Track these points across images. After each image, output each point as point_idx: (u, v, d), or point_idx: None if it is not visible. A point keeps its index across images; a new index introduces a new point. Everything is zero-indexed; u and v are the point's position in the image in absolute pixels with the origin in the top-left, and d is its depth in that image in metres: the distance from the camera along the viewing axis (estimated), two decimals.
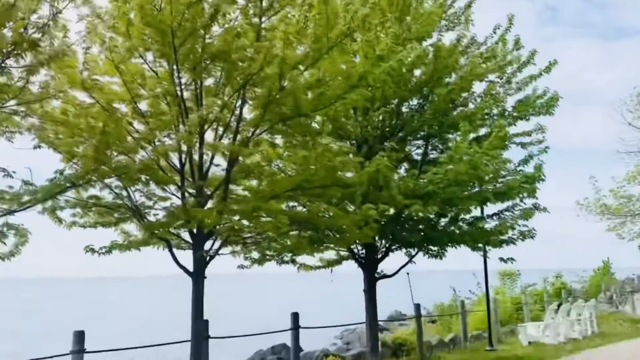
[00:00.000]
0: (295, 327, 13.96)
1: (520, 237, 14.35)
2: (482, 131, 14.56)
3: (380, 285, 15.04)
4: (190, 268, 10.82)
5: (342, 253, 15.29)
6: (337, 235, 11.96)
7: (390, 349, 17.83)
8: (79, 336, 10.57)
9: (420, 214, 12.62)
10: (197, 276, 10.81)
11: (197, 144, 10.39)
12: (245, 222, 11.01)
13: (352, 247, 14.76)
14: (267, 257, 13.27)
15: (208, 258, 10.98)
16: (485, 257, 18.47)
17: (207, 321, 12.38)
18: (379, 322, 16.09)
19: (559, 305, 21.16)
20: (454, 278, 25.87)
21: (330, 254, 15.87)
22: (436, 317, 21.73)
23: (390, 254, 15.23)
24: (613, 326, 22.73)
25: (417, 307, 17.45)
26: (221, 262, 13.01)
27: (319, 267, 16.05)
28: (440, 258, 14.44)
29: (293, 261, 15.44)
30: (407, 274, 17.97)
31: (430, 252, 14.12)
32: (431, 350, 18.22)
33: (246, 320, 26.21)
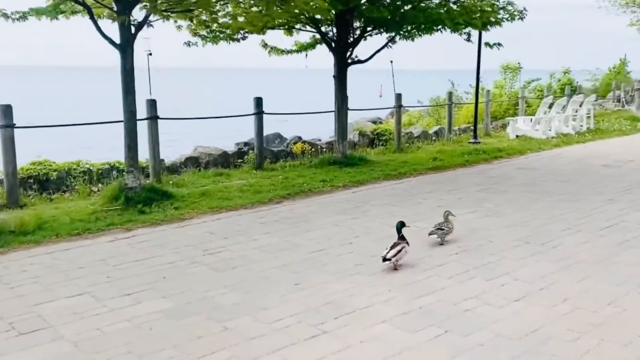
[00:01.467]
0: (259, 112, 13.18)
1: (508, 18, 12.80)
2: None
3: (362, 83, 13.92)
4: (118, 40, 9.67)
5: (315, 35, 13.95)
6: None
7: (368, 139, 17.19)
8: (6, 110, 9.94)
9: None
10: (125, 48, 9.71)
11: None
12: None
13: (321, 27, 13.37)
14: (218, 33, 11.98)
15: (136, 27, 9.77)
16: (480, 45, 16.97)
17: (154, 101, 11.62)
18: (352, 110, 15.20)
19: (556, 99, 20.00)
20: (455, 77, 24.52)
21: (305, 37, 14.60)
22: (419, 107, 20.74)
23: (366, 39, 13.85)
24: (612, 124, 21.73)
25: (398, 97, 16.46)
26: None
27: (291, 52, 14.89)
28: (412, 40, 13.07)
29: (265, 45, 14.26)
30: (391, 61, 16.74)
31: (405, 34, 12.66)
32: (412, 142, 17.60)
33: (213, 109, 25.62)
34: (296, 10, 10.77)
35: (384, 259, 6.31)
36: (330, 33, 13.64)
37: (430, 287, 5.96)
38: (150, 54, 11.99)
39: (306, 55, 15.08)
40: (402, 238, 6.56)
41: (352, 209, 9.36)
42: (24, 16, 9.64)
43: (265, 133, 13.86)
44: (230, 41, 12.49)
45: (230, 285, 6.05)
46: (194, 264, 6.73)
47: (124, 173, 10.40)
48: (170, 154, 14.58)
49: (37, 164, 11.42)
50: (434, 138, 18.40)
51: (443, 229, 7.49)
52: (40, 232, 8.06)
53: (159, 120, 11.61)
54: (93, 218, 8.81)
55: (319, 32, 13.31)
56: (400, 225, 6.73)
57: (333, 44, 13.39)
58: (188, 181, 11.87)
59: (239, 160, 13.87)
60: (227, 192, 10.61)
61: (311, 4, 9.95)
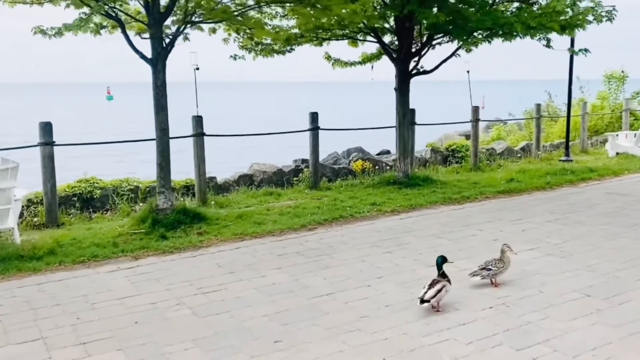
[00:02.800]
0: (314, 128, 12.33)
1: (595, 20, 11.13)
2: None
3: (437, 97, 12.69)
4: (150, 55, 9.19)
5: (377, 47, 12.93)
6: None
7: (441, 156, 15.84)
8: (46, 128, 9.77)
9: None
10: (156, 62, 9.19)
11: None
12: None
13: (382, 36, 12.33)
14: (269, 47, 11.26)
15: (169, 40, 9.23)
16: (571, 56, 15.22)
17: (200, 117, 11.10)
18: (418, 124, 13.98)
19: None
20: (552, 87, 22.48)
21: (371, 48, 13.62)
22: (498, 121, 19.00)
23: (434, 47, 12.67)
24: None
25: (475, 110, 15.05)
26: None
27: (354, 64, 13.93)
28: (476, 46, 11.70)
29: (328, 57, 13.42)
30: (468, 72, 15.31)
31: (470, 40, 11.34)
32: (493, 159, 16.05)
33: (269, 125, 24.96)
34: (335, 18, 9.80)
35: (422, 301, 5.55)
36: (393, 42, 12.58)
37: (438, 357, 4.78)
38: (197, 69, 11.47)
39: (372, 67, 14.06)
40: (442, 275, 5.84)
41: (389, 239, 8.25)
42: (59, 32, 9.39)
43: (326, 149, 13.02)
44: (279, 53, 11.69)
45: (200, 338, 5.18)
46: (177, 306, 5.94)
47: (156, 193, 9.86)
48: (226, 170, 14.05)
49: (83, 181, 11.20)
50: (519, 155, 16.71)
51: (490, 269, 6.34)
52: (48, 257, 7.64)
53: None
54: (112, 242, 8.30)
55: (379, 41, 12.27)
56: (441, 260, 5.96)
57: (394, 54, 12.29)
58: (234, 201, 11.24)
59: (295, 179, 13.06)
60: (266, 214, 9.83)
61: (349, 10, 8.92)
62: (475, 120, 15.01)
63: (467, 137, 21.44)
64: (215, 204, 10.81)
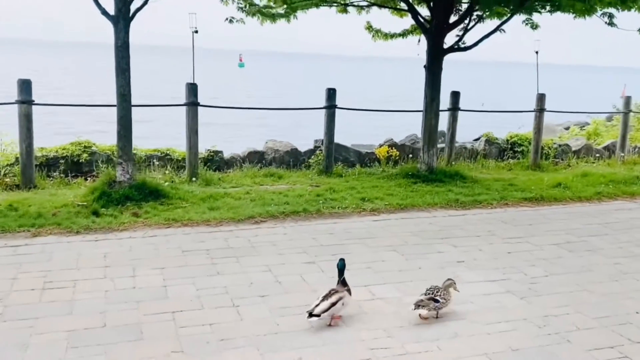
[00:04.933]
0: (331, 105, 11.00)
1: None
2: None
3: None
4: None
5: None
6: None
7: (497, 148, 13.78)
8: (24, 85, 9.31)
9: None
10: (117, 20, 8.35)
11: None
12: None
13: (413, 3, 10.66)
14: (268, 10, 10.00)
15: None
16: None
17: (195, 85, 10.20)
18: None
19: None
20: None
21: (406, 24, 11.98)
22: (569, 112, 16.17)
23: (482, 21, 10.81)
24: None
25: (540, 98, 12.85)
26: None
27: (395, 36, 12.35)
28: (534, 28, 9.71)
29: (369, 27, 11.99)
30: (536, 52, 13.08)
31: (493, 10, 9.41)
32: (565, 157, 13.75)
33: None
34: None
35: (310, 314, 4.71)
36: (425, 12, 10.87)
37: None
38: (196, 32, 10.49)
39: (419, 40, 12.35)
40: (343, 283, 4.97)
41: (333, 246, 6.87)
42: None
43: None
44: (283, 17, 10.36)
45: None
46: None
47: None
48: (249, 144, 13.05)
49: (75, 144, 10.72)
50: (597, 155, 14.17)
51: (439, 301, 5.05)
52: None
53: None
54: (52, 213, 7.69)
55: (410, 9, 10.57)
56: (342, 265, 5.03)
57: (427, 24, 10.56)
58: (226, 179, 10.29)
59: (310, 161, 11.80)
60: (239, 199, 8.79)
61: None
62: (540, 110, 12.81)
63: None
64: (202, 181, 9.92)
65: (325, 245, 6.89)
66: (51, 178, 9.93)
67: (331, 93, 11.03)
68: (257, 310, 5.15)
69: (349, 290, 4.95)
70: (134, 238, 6.92)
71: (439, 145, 11.96)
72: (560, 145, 14.12)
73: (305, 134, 15.07)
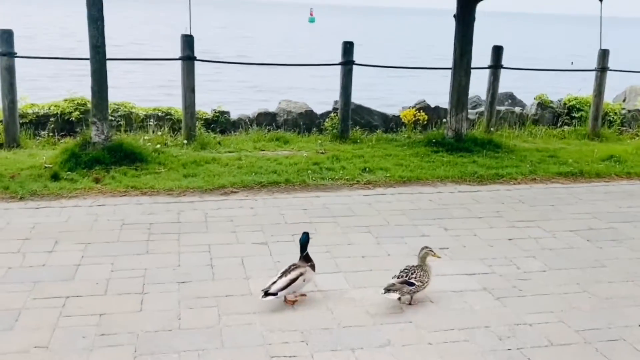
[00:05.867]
0: (347, 61, 9.85)
1: None
2: None
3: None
4: None
5: None
6: None
7: (551, 113, 12.16)
8: (4, 36, 8.71)
9: None
10: None
11: None
12: None
13: None
14: None
15: None
16: None
17: (190, 37, 9.35)
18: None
19: None
20: None
21: None
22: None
23: None
24: None
25: (602, 54, 11.13)
26: None
27: None
28: None
29: None
30: (600, 1, 11.31)
31: None
32: (634, 123, 12.01)
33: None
34: None
35: (266, 293, 4.14)
36: None
37: None
38: None
39: None
40: (305, 258, 4.38)
41: (298, 224, 5.88)
42: None
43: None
44: None
45: None
46: None
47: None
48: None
49: (68, 100, 10.11)
50: None
51: (413, 284, 4.21)
52: None
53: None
54: (21, 175, 7.11)
55: None
56: (306, 239, 4.44)
57: None
58: (226, 142, 9.47)
59: (326, 124, 10.71)
60: (227, 165, 7.98)
61: None
62: (601, 69, 11.12)
63: None
64: (198, 144, 9.11)
65: (290, 224, 5.90)
66: (38, 137, 9.38)
67: (348, 47, 9.86)
68: (165, 299, 4.27)
69: (312, 266, 4.35)
70: (80, 207, 6.18)
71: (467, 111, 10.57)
72: (630, 111, 12.31)
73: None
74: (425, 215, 6.25)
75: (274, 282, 4.18)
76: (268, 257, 5.05)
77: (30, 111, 9.74)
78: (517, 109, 12.04)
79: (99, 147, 7.90)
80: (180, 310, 4.13)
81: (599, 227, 6.05)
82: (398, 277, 4.26)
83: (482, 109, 11.48)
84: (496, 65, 10.62)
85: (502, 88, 11.34)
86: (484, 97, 11.36)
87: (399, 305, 4.26)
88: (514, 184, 7.64)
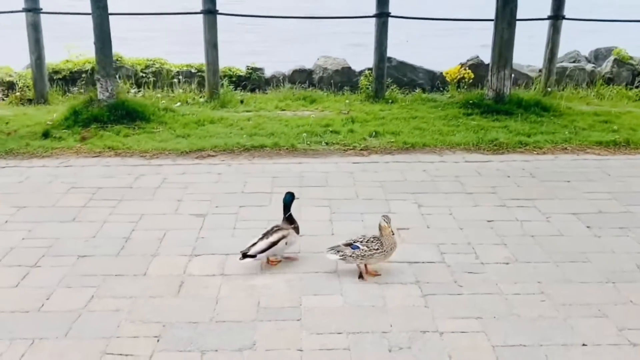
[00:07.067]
0: (381, 13, 8.98)
1: None
2: None
3: None
4: None
5: None
6: None
7: (630, 71, 10.57)
8: None
9: None
10: None
11: None
12: None
13: None
14: None
15: None
16: None
17: None
18: None
19: None
20: None
21: None
22: None
23: None
24: None
25: None
26: None
27: None
28: None
29: None
30: None
31: None
32: None
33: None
34: None
35: (244, 255, 3.92)
36: None
37: None
38: None
39: None
40: (289, 220, 4.12)
41: (255, 194, 5.35)
42: None
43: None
44: None
45: None
46: None
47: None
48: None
49: None
50: None
51: (357, 247, 3.86)
52: None
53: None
54: (6, 133, 7.16)
55: None
56: (290, 198, 4.16)
57: None
58: (251, 101, 9.11)
59: (361, 82, 9.93)
60: (229, 126, 7.57)
61: None
62: None
63: None
64: (218, 103, 8.76)
65: (246, 193, 5.38)
66: (68, 94, 9.41)
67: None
68: (49, 275, 3.94)
69: (296, 229, 4.10)
70: (45, 167, 6.02)
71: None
72: None
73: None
74: (406, 189, 5.48)
75: (254, 244, 3.93)
76: (194, 232, 4.58)
77: (64, 67, 9.80)
78: (589, 66, 10.56)
79: (103, 105, 7.73)
80: (57, 288, 3.77)
81: (611, 211, 5.00)
82: (346, 241, 3.90)
83: (583, 64, 10.27)
84: (557, 15, 9.28)
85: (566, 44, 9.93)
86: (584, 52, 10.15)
87: (296, 300, 3.64)
88: (537, 153, 6.60)
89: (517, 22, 8.38)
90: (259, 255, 3.92)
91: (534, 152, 6.62)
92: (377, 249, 3.81)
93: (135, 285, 3.79)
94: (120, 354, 3.13)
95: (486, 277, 3.94)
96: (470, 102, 8.47)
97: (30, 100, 9.07)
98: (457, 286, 3.82)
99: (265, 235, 3.99)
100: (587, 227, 4.71)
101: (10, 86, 9.55)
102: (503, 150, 6.66)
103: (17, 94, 9.19)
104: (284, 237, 4.00)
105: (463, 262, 4.14)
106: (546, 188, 5.52)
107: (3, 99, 9.39)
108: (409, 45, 15.19)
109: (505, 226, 4.71)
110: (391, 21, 8.93)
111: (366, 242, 3.84)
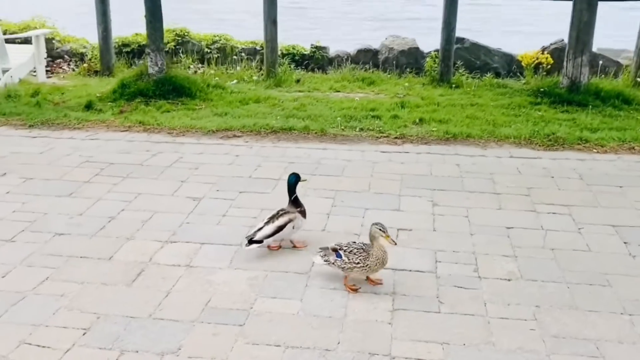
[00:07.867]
0: None
1: None
2: None
3: None
4: None
5: None
6: None
7: None
8: None
9: None
10: None
11: None
12: None
13: None
14: None
15: None
16: None
17: None
18: None
19: None
20: None
21: None
22: None
23: None
24: None
25: None
26: None
27: None
28: None
29: None
30: None
31: None
32: None
33: None
34: None
35: (250, 241, 3.74)
36: None
37: None
38: None
39: None
40: (294, 203, 3.93)
41: (259, 180, 5.05)
42: None
43: None
44: None
45: None
46: None
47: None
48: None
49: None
50: None
51: (339, 256, 3.45)
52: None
53: None
54: (77, 102, 7.33)
55: None
56: (295, 179, 3.96)
57: None
58: (307, 81, 8.85)
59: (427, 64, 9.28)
60: (271, 106, 7.34)
61: None
62: None
63: None
64: (273, 82, 8.54)
65: (255, 178, 5.09)
66: (133, 67, 9.52)
67: None
68: (16, 253, 3.87)
69: (302, 212, 3.89)
70: (72, 139, 6.05)
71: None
72: None
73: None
74: (426, 184, 4.96)
75: (260, 229, 3.75)
76: (181, 217, 4.35)
77: (133, 40, 9.94)
78: None
79: (151, 79, 7.70)
80: (17, 266, 3.67)
81: None
82: (337, 244, 3.50)
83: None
84: None
85: None
86: None
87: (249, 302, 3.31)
88: (597, 152, 5.78)
89: (607, 3, 7.44)
90: (265, 241, 3.71)
91: (594, 151, 5.81)
92: (358, 263, 3.36)
93: (93, 271, 3.62)
94: (38, 345, 2.95)
95: (476, 294, 3.41)
96: (542, 90, 7.66)
97: (96, 72, 9.27)
98: (438, 302, 3.33)
99: (271, 219, 3.79)
100: (625, 242, 4.00)
101: (82, 58, 9.83)
102: (558, 147, 5.90)
103: (85, 65, 9.41)
104: (290, 220, 3.79)
105: (457, 274, 3.61)
106: (591, 193, 4.79)
107: (74, 70, 9.67)
108: (495, 27, 14.16)
109: (525, 235, 4.10)
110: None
111: (349, 252, 3.40)
